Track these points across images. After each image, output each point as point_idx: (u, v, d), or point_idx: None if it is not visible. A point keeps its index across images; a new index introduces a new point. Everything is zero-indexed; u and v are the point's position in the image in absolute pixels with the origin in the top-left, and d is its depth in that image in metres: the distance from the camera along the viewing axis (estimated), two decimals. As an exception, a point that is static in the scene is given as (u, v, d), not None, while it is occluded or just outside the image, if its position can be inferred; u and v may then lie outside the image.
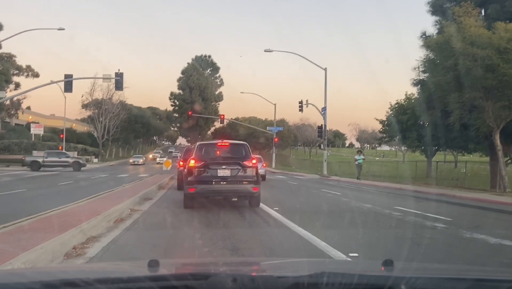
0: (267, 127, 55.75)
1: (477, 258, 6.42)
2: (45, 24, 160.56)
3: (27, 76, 53.90)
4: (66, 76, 31.39)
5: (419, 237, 7.75)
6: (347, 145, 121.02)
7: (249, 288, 1.52)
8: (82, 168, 35.46)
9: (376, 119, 32.89)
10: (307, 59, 34.90)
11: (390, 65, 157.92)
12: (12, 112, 56.34)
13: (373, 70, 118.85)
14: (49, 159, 35.22)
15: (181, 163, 17.71)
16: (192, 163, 11.12)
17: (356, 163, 29.41)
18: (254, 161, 11.47)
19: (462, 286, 1.67)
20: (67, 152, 40.90)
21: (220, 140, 12.65)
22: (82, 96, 62.69)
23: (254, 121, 71.33)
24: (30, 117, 69.16)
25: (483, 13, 20.63)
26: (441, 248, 7.08)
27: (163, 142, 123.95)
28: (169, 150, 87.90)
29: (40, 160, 35.08)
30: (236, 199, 11.94)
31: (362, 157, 29.84)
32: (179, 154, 52.71)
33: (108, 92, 61.43)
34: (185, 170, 11.81)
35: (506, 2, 19.73)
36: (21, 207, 11.07)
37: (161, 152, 74.91)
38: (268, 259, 4.91)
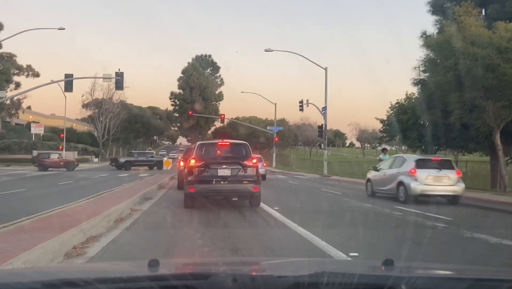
0: (268, 127, 55.72)
1: (477, 257, 6.41)
2: (45, 24, 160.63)
3: (28, 76, 53.90)
4: (67, 75, 31.37)
5: (419, 236, 7.75)
6: (347, 144, 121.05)
7: (249, 288, 1.52)
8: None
9: (377, 118, 32.84)
10: (307, 58, 34.91)
11: (390, 65, 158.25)
12: (13, 112, 56.34)
13: (373, 70, 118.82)
14: (139, 158, 39.53)
15: (181, 162, 17.72)
16: (192, 162, 11.12)
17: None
18: (254, 161, 11.48)
19: (462, 286, 1.67)
20: (151, 152, 46.49)
21: (220, 140, 12.66)
22: (83, 96, 62.81)
23: (255, 121, 71.34)
24: (31, 117, 69.20)
25: (483, 13, 20.62)
26: (442, 247, 7.09)
27: (163, 142, 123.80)
28: (160, 152, 70.08)
29: (132, 159, 39.03)
30: (236, 199, 11.94)
31: (387, 156, 26.23)
32: (175, 155, 52.39)
33: (108, 92, 61.55)
34: (186, 170, 11.82)
35: (506, 2, 19.72)
36: (21, 206, 11.07)
37: (153, 152, 72.48)
38: (268, 259, 4.91)
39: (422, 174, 13.69)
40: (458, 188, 13.79)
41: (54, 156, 36.50)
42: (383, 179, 15.46)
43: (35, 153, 46.17)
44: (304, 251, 6.48)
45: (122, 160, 39.51)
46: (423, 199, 13.75)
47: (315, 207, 12.81)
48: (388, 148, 31.17)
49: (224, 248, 6.51)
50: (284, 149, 75.15)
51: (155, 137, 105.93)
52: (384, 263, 1.95)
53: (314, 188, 21.02)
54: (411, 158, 15.08)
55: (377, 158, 24.79)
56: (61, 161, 36.18)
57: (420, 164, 14.11)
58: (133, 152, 45.63)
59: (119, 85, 33.01)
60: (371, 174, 16.57)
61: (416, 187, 13.60)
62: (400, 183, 14.12)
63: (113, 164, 39.54)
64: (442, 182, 13.72)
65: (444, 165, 14.32)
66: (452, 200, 13.84)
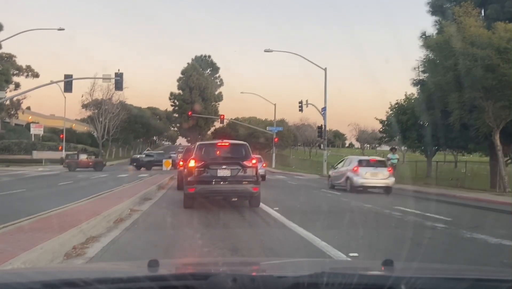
0: (267, 128, 55.73)
1: (477, 258, 6.41)
2: (45, 24, 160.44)
3: (27, 76, 53.89)
4: (66, 76, 31.40)
5: (419, 237, 7.74)
6: (347, 145, 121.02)
7: (249, 288, 1.52)
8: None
9: (376, 119, 32.90)
10: (307, 59, 34.97)
11: (390, 65, 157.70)
12: (12, 112, 56.31)
13: (373, 70, 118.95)
14: (157, 158, 40.84)
15: (181, 163, 17.75)
16: (192, 163, 11.12)
17: (389, 162, 22.97)
18: (254, 161, 11.47)
19: (462, 286, 1.67)
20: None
21: (220, 141, 12.64)
22: (82, 97, 62.54)
23: (254, 122, 71.29)
24: (30, 117, 69.13)
25: (483, 13, 20.64)
26: (441, 248, 7.08)
27: (163, 142, 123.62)
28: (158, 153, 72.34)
29: (153, 159, 40.75)
30: (236, 199, 11.94)
31: (396, 156, 24.68)
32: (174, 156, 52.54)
33: (108, 92, 61.26)
34: (185, 170, 11.81)
35: (506, 2, 19.75)
36: (21, 207, 11.06)
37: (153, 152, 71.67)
38: (268, 259, 4.91)
39: (362, 170, 17.89)
40: (389, 181, 17.94)
41: (83, 157, 37.92)
42: (337, 175, 19.68)
43: (35, 153, 46.24)
44: (304, 251, 6.47)
45: (145, 159, 40.89)
46: (371, 190, 17.77)
47: (315, 207, 12.80)
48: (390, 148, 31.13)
49: (224, 248, 6.50)
50: (284, 149, 75.14)
51: (154, 137, 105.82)
52: (384, 263, 1.95)
53: (313, 188, 21.02)
54: (355, 159, 19.47)
55: (386, 156, 24.68)
56: (90, 161, 37.55)
57: (361, 163, 18.46)
58: (153, 152, 48.63)
59: (118, 85, 33.07)
60: (331, 171, 21.00)
61: (358, 180, 17.80)
62: (347, 178, 18.25)
63: (134, 163, 40.70)
64: (377, 177, 17.87)
65: (379, 164, 18.59)
66: (385, 190, 17.72)
